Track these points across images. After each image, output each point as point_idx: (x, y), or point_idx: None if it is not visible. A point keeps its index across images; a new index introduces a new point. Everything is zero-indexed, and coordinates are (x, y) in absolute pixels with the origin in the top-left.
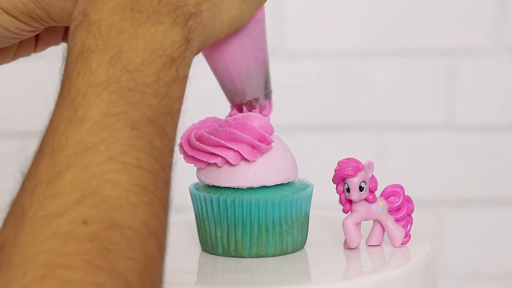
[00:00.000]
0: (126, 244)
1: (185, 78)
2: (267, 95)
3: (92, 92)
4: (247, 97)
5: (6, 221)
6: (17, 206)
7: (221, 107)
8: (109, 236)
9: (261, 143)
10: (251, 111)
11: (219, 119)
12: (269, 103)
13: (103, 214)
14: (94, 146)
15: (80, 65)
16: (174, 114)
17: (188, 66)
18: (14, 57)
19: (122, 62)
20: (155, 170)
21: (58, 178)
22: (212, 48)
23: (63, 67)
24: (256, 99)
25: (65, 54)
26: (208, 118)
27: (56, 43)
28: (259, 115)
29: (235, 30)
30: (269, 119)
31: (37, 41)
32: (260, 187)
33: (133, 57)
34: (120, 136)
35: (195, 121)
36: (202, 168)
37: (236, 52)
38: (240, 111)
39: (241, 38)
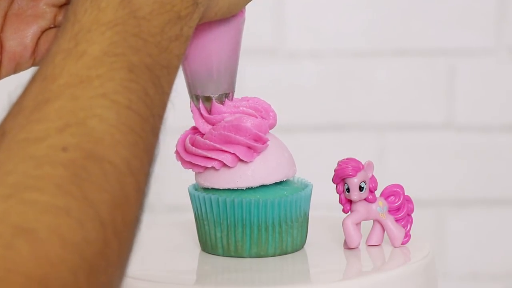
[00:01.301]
0: (103, 177)
1: (187, 38)
2: (233, 94)
3: (97, 30)
4: (220, 90)
5: None
6: None
7: None
8: (86, 165)
9: (257, 143)
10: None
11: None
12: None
13: (84, 145)
14: (88, 80)
15: (89, 3)
16: (171, 69)
17: (192, 28)
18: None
19: (132, 7)
20: (145, 115)
21: (46, 105)
22: (201, 30)
23: (71, 2)
24: (227, 95)
25: None
26: None
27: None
28: (251, 116)
29: (228, 15)
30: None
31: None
32: (259, 186)
33: (143, 5)
34: (116, 76)
35: (187, 128)
36: (201, 172)
37: (223, 41)
38: (198, 109)
39: (231, 29)
